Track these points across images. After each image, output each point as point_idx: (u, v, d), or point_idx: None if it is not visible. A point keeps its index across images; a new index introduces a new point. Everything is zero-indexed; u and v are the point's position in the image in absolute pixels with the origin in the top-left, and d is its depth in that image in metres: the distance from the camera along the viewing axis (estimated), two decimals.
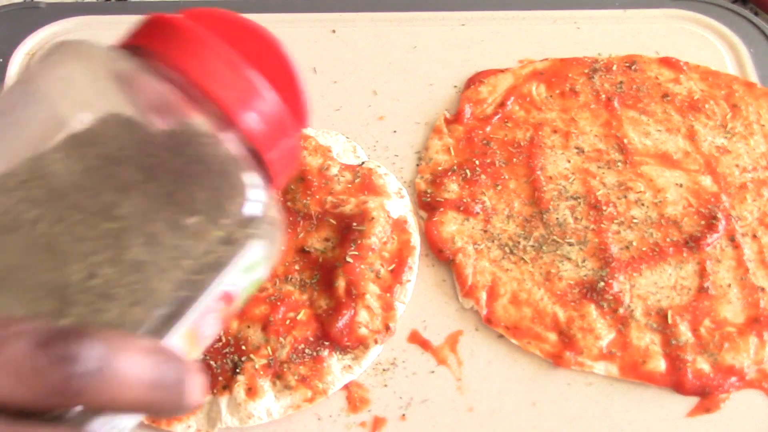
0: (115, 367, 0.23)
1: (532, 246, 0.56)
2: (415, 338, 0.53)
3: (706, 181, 0.59)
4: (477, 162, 0.59)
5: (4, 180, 0.26)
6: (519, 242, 0.56)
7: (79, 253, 0.25)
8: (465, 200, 0.57)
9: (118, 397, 0.23)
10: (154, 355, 0.24)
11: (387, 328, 0.52)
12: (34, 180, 0.26)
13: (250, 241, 0.27)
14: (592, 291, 0.53)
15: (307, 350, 0.51)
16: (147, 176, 0.26)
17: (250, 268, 0.28)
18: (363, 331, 0.51)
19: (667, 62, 0.66)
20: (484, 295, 0.54)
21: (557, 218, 0.57)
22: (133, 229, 0.26)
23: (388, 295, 0.53)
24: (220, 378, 0.49)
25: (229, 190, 0.27)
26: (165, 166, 0.26)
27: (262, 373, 0.49)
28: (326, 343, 0.51)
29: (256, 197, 0.27)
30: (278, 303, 0.52)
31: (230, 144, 0.27)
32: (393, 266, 0.54)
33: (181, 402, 0.25)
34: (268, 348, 0.50)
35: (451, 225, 0.57)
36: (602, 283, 0.54)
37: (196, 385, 0.26)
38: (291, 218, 0.56)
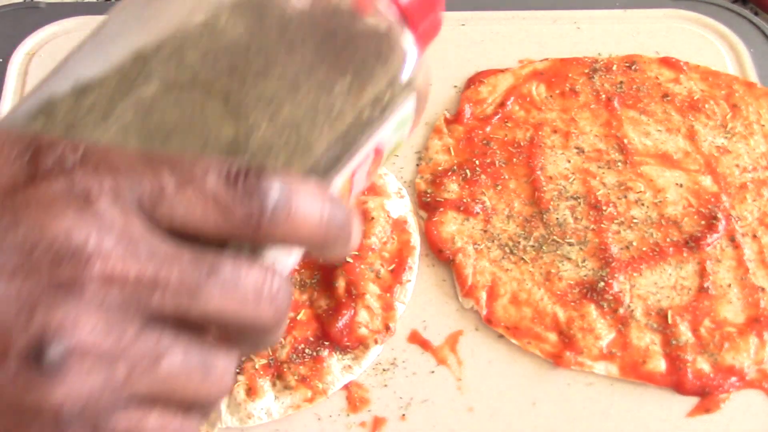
0: (297, 203, 0.24)
1: (532, 246, 0.56)
2: (415, 338, 0.53)
3: (706, 181, 0.59)
4: (477, 162, 0.59)
5: (160, 48, 0.27)
6: (519, 242, 0.56)
7: (241, 109, 0.26)
8: (465, 200, 0.57)
9: (295, 232, 0.25)
10: (327, 196, 0.26)
11: (387, 328, 0.52)
12: (193, 44, 0.27)
13: (401, 101, 0.29)
14: (592, 291, 0.53)
15: (307, 350, 0.51)
16: (305, 40, 0.28)
17: (399, 126, 0.30)
18: (363, 331, 0.51)
19: (667, 62, 0.66)
20: (484, 295, 0.54)
21: (557, 218, 0.57)
22: (290, 89, 0.27)
23: (388, 295, 0.53)
24: None
25: (384, 54, 0.28)
26: (322, 31, 0.28)
27: (262, 372, 0.49)
28: (326, 343, 0.51)
29: (408, 60, 0.29)
30: None
31: (385, 11, 0.29)
32: (393, 266, 0.54)
33: (346, 242, 0.27)
34: (268, 348, 0.50)
35: (451, 225, 0.57)
36: (602, 283, 0.54)
37: (358, 230, 0.27)
38: None
